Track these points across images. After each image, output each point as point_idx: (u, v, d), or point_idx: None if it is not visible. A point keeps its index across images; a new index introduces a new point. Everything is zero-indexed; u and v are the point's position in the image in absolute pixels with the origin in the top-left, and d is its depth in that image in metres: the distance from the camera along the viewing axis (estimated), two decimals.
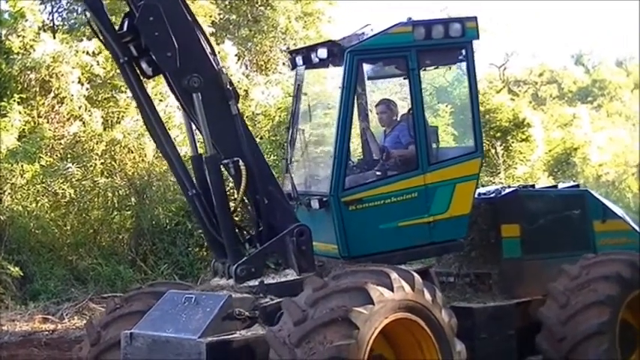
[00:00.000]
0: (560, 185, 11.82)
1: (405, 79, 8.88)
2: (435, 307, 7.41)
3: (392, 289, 7.07)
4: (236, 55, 21.50)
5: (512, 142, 25.02)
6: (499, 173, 23.45)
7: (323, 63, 8.86)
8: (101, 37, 7.99)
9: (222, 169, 7.98)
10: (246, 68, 22.63)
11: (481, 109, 25.38)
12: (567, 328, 8.75)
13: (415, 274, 7.42)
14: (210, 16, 21.18)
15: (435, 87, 10.42)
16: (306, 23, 23.68)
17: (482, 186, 14.71)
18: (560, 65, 45.86)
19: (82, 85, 18.49)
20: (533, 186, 11.26)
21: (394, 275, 7.17)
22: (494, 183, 20.66)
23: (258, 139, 18.31)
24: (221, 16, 22.39)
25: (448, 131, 14.01)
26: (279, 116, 19.22)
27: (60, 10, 21.92)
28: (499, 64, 36.00)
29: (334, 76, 9.07)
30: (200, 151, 8.25)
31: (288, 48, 22.35)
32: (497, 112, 24.94)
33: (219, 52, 19.88)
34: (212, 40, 20.38)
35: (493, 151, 24.25)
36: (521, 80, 40.43)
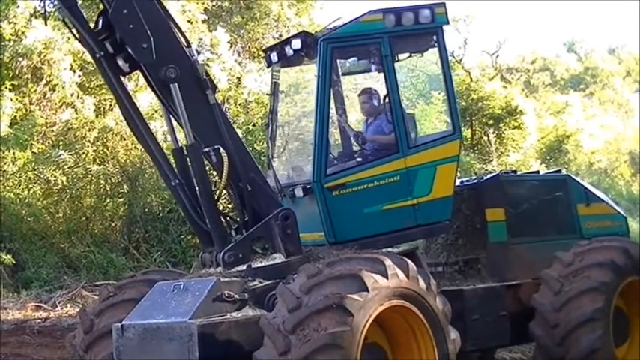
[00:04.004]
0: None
1: (379, 72, 8.92)
2: (430, 295, 7.41)
3: (386, 276, 7.06)
4: (228, 42, 21.46)
5: (505, 130, 25.05)
6: (491, 161, 23.48)
7: (297, 57, 8.93)
8: (76, 35, 8.10)
9: (204, 158, 8.00)
10: (239, 55, 22.59)
11: (474, 96, 25.45)
12: (561, 315, 8.76)
13: (409, 262, 7.41)
14: (203, 3, 21.12)
15: (428, 74, 10.42)
16: (298, 10, 23.62)
17: (475, 174, 14.78)
18: (552, 53, 45.98)
19: (74, 72, 18.42)
20: (515, 172, 11.33)
21: (389, 262, 7.16)
22: (487, 170, 20.69)
23: (250, 127, 18.38)
24: (213, 3, 22.33)
25: (441, 119, 13.99)
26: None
27: None
28: (492, 51, 36.05)
29: (309, 70, 9.15)
30: (181, 144, 8.28)
31: (280, 35, 22.30)
32: (489, 99, 24.95)
33: (211, 40, 20.04)
34: (204, 27, 20.49)
35: (485, 138, 24.28)
36: (513, 68, 40.48)
